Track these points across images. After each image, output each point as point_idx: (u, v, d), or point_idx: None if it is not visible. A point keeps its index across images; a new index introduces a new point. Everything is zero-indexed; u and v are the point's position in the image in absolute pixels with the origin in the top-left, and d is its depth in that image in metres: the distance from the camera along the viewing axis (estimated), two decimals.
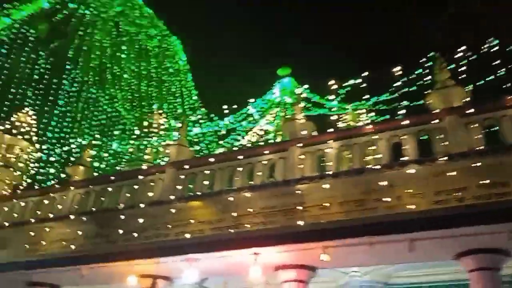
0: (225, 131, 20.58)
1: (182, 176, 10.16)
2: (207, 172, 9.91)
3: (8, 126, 13.75)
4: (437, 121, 8.13)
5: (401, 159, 8.07)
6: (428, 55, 11.72)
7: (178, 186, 9.91)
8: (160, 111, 19.88)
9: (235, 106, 19.28)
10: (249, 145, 19.51)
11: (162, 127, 18.24)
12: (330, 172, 8.52)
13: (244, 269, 7.01)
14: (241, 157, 9.80)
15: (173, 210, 9.50)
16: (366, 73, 14.80)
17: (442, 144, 7.77)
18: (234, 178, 9.54)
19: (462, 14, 15.75)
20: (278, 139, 17.83)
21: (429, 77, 10.80)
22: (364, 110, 15.50)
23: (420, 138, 8.36)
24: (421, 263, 8.42)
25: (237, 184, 9.34)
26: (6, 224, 11.47)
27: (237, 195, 9.05)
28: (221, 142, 20.14)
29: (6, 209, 11.98)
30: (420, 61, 12.62)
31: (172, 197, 9.61)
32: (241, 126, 20.50)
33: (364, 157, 8.59)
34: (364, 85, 14.94)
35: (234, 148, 18.46)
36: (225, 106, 18.70)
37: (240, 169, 9.57)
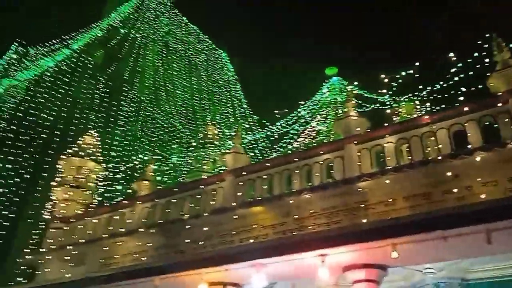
0: (278, 135, 20.62)
1: (241, 183, 10.31)
2: (265, 177, 10.01)
3: (75, 149, 14.62)
4: (500, 104, 7.67)
5: (466, 147, 7.69)
6: (484, 37, 11.10)
7: (239, 193, 10.07)
8: (214, 122, 20.27)
9: (286, 110, 19.29)
10: (303, 147, 19.41)
11: (216, 137, 18.61)
12: (391, 167, 8.29)
13: (312, 272, 6.94)
14: (297, 159, 9.80)
15: (235, 217, 9.68)
16: (417, 63, 14.30)
17: (510, 127, 7.31)
18: (292, 180, 9.55)
19: None
20: (331, 139, 17.61)
21: (487, 60, 10.21)
22: (419, 102, 14.95)
23: (485, 123, 7.93)
24: (501, 256, 7.92)
25: (296, 186, 9.34)
26: (82, 241, 12.21)
27: (297, 197, 9.05)
28: (275, 146, 20.18)
29: (80, 227, 12.74)
30: (476, 44, 11.99)
31: (233, 204, 9.79)
32: (293, 129, 20.45)
33: (425, 149, 8.28)
34: (417, 75, 14.45)
35: (289, 152, 18.44)
36: (276, 111, 18.75)
37: (298, 171, 9.57)
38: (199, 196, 10.81)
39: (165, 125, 26.17)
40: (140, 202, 11.92)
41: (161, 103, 27.80)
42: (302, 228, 8.69)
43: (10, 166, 19.09)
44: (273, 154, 19.96)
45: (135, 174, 17.86)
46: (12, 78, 24.61)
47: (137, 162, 19.47)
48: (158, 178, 16.99)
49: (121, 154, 20.28)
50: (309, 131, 20.30)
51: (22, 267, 14.33)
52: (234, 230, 9.71)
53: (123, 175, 17.79)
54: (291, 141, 20.02)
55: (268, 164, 10.17)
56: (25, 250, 13.55)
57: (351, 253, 6.63)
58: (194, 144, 18.33)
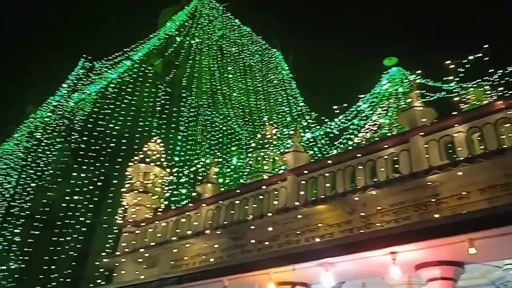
0: (337, 131, 20.26)
1: (303, 182, 10.21)
2: (327, 174, 9.83)
3: (141, 156, 15.27)
4: None
5: None
6: None
7: (301, 192, 9.98)
8: (271, 122, 20.31)
9: (344, 105, 18.90)
10: (364, 142, 18.91)
11: (275, 137, 18.62)
12: (462, 158, 7.81)
13: (383, 270, 6.71)
14: (360, 155, 9.53)
15: (299, 216, 9.60)
16: (486, 46, 13.42)
17: None
18: (356, 177, 9.30)
19: None
20: (394, 132, 16.98)
21: None
22: (489, 87, 14.00)
23: None
24: None
25: (360, 183, 9.08)
26: (153, 244, 12.72)
27: (362, 194, 8.79)
28: (335, 143, 19.84)
29: (150, 230, 13.27)
30: None
31: (296, 203, 9.72)
32: (353, 124, 19.99)
33: (500, 137, 7.71)
34: (486, 58, 13.56)
35: (350, 148, 18.05)
36: (334, 107, 18.43)
37: (361, 167, 9.30)
38: (262, 197, 10.84)
39: (223, 128, 26.67)
40: (205, 205, 12.18)
41: (218, 106, 28.37)
42: (369, 226, 8.43)
43: (84, 175, 20.38)
44: (333, 151, 19.66)
45: (198, 177, 18.37)
46: (80, 92, 26.30)
47: (199, 166, 20.03)
48: (220, 180, 17.31)
49: (184, 158, 20.94)
50: (370, 125, 19.75)
51: (100, 270, 15.21)
52: (299, 229, 9.63)
53: (187, 179, 18.35)
54: (352, 136, 19.59)
55: (329, 162, 9.98)
56: (102, 253, 14.38)
57: (424, 250, 6.32)
58: (253, 145, 18.47)
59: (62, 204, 20.49)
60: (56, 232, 19.57)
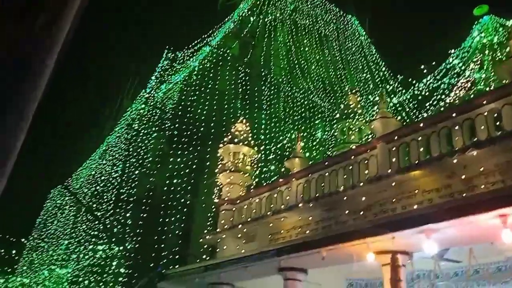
0: (426, 92, 19.11)
1: (394, 148, 9.89)
2: (420, 138, 9.40)
3: (230, 137, 15.87)
4: None
5: None
6: None
7: (393, 159, 9.69)
8: (354, 91, 19.75)
9: (433, 63, 17.70)
10: (458, 101, 17.62)
11: (359, 105, 18.13)
12: None
13: (491, 235, 6.32)
14: (455, 114, 8.95)
15: (393, 184, 9.36)
16: None
17: None
18: (453, 138, 8.78)
19: None
20: (492, 87, 15.57)
21: None
22: None
23: None
24: None
25: (458, 144, 8.56)
26: (249, 219, 13.28)
27: (461, 156, 8.29)
28: (426, 105, 18.76)
29: (245, 207, 13.85)
30: None
31: (389, 171, 9.47)
32: (444, 83, 18.68)
33: None
34: None
35: (442, 109, 16.96)
36: (421, 66, 17.36)
37: (457, 127, 8.74)
38: (351, 167, 10.72)
39: (305, 102, 26.52)
40: (294, 179, 12.37)
41: (298, 81, 28.21)
42: (472, 189, 7.96)
43: (179, 159, 21.73)
44: (423, 114, 18.63)
45: (285, 153, 18.61)
46: (167, 82, 27.81)
47: (285, 142, 20.25)
48: (307, 154, 17.37)
49: (269, 136, 21.31)
50: (463, 82, 18.32)
51: (204, 246, 16.28)
52: (394, 197, 9.41)
53: (275, 155, 18.69)
54: (443, 97, 18.36)
55: (422, 125, 9.52)
56: (204, 231, 15.38)
57: None
58: (337, 116, 18.17)
59: (163, 188, 22.13)
60: (161, 214, 21.25)
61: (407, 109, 21.90)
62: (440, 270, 10.35)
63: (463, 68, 18.32)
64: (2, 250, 27.66)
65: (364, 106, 21.13)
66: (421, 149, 9.29)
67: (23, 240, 34.13)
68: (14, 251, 30.35)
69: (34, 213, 39.27)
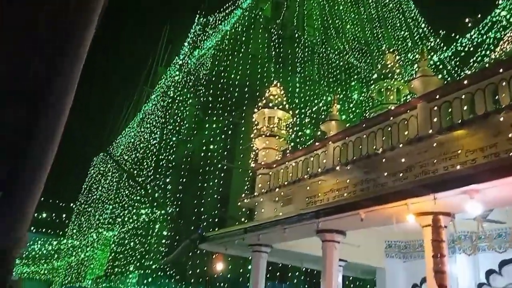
0: (470, 48, 18.14)
1: (435, 108, 9.52)
2: (463, 96, 8.99)
3: (264, 101, 15.78)
4: None
5: None
6: None
7: (434, 119, 9.35)
8: (391, 50, 19.00)
9: (478, 15, 16.67)
10: (503, 56, 16.63)
11: (397, 65, 17.48)
12: None
13: None
14: (501, 70, 8.45)
15: (435, 144, 9.08)
16: None
17: None
18: (499, 95, 8.33)
19: None
20: None
21: None
22: None
23: None
24: None
25: (505, 101, 8.12)
26: (286, 183, 13.37)
27: (508, 113, 7.88)
28: (470, 61, 17.85)
29: (282, 171, 13.92)
30: None
31: (430, 131, 9.17)
32: (489, 37, 17.62)
33: None
34: None
35: (487, 65, 16.07)
36: (466, 20, 16.40)
37: (505, 83, 8.26)
38: (390, 128, 10.46)
39: (340, 63, 25.85)
40: (331, 142, 12.24)
41: (333, 42, 27.40)
42: None
43: (214, 125, 21.95)
44: (466, 72, 17.78)
45: (320, 116, 18.40)
46: (200, 48, 27.73)
47: (321, 105, 19.96)
48: (343, 117, 17.11)
49: (304, 99, 21.06)
50: (510, 36, 17.21)
51: (242, 209, 16.64)
52: (435, 158, 9.14)
53: (309, 118, 18.52)
54: (488, 52, 17.38)
55: (466, 82, 9.07)
56: (242, 195, 15.65)
57: None
58: (374, 77, 17.63)
59: (201, 154, 22.56)
60: (199, 179, 21.78)
61: (449, 67, 20.96)
62: (483, 231, 10.16)
63: (511, 20, 17.16)
64: (53, 215, 29.40)
65: (402, 66, 20.36)
66: (465, 108, 8.89)
67: (71, 205, 36.10)
68: (64, 216, 32.21)
69: (79, 180, 41.23)
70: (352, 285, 15.90)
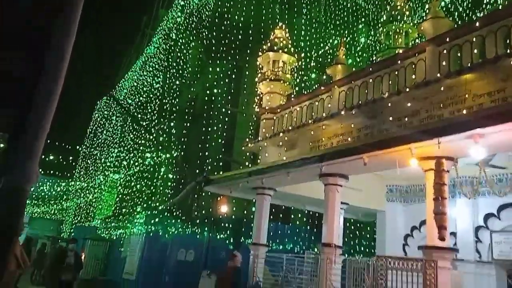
0: None
1: (445, 51, 9.28)
2: (474, 39, 8.73)
3: (269, 44, 15.41)
4: None
5: None
6: None
7: (443, 62, 9.15)
8: None
9: None
10: None
11: (406, 6, 16.84)
12: None
13: None
14: None
15: (442, 88, 8.95)
16: None
17: None
18: (511, 39, 8.08)
19: None
20: None
21: None
22: None
23: None
24: None
25: None
26: (290, 128, 13.39)
27: None
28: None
29: (286, 115, 13.90)
30: None
31: (438, 75, 9.01)
32: None
33: None
34: None
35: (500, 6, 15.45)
36: None
37: None
38: (397, 72, 10.28)
39: (347, 5, 24.91)
40: (336, 86, 12.10)
41: None
42: None
43: (218, 69, 21.61)
44: (479, 14, 17.14)
45: (326, 60, 18.06)
46: None
47: (326, 48, 19.50)
48: (350, 61, 16.78)
49: (310, 42, 20.53)
50: None
51: (246, 154, 16.82)
52: (442, 102, 9.05)
53: (316, 62, 18.18)
54: None
55: (477, 24, 8.77)
56: (246, 140, 15.75)
57: None
58: (382, 19, 17.06)
59: (204, 98, 22.44)
60: (203, 123, 21.82)
61: (461, 9, 20.18)
62: (485, 176, 10.29)
63: None
64: (60, 157, 29.88)
65: (412, 7, 19.60)
66: (475, 51, 8.67)
67: (77, 148, 36.60)
68: (70, 158, 32.75)
69: (84, 124, 41.51)
70: (352, 227, 16.41)
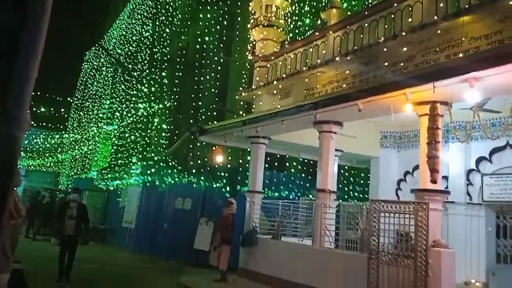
0: None
1: None
2: None
3: None
4: None
5: None
6: None
7: (440, 4, 8.89)
8: None
9: None
10: None
11: None
12: None
13: None
14: None
15: (439, 32, 8.77)
16: None
17: None
18: None
19: None
20: None
21: None
22: None
23: None
24: None
25: None
26: (284, 75, 13.22)
27: None
28: None
29: (280, 63, 13.67)
30: None
31: (435, 17, 8.78)
32: None
33: None
34: None
35: None
36: None
37: None
38: (393, 16, 10.01)
39: None
40: (331, 32, 11.82)
41: None
42: None
43: (209, 16, 20.93)
44: None
45: (320, 4, 17.47)
46: None
47: None
48: (345, 4, 16.28)
49: None
50: None
51: (240, 103, 16.70)
52: (438, 46, 8.90)
53: (310, 8, 17.60)
54: None
55: None
56: (239, 88, 15.57)
57: None
58: None
59: (196, 46, 21.91)
60: (196, 72, 21.47)
61: None
62: (479, 121, 10.35)
63: None
64: (52, 109, 29.61)
65: None
66: None
67: (69, 99, 36.16)
68: (62, 110, 32.47)
69: (74, 75, 40.74)
70: (347, 174, 16.69)
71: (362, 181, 16.76)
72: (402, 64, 9.52)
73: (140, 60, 25.94)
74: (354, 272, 7.81)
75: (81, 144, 34.46)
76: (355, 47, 10.84)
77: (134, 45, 27.59)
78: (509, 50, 6.05)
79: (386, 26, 10.10)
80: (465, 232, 10.96)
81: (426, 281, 6.68)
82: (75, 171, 35.62)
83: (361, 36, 10.74)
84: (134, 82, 24.96)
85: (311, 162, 15.85)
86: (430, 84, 6.86)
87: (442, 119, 7.54)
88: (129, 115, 25.43)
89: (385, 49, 9.82)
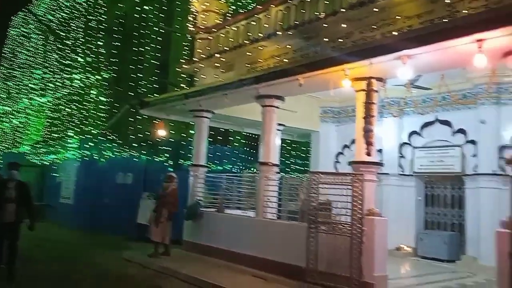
0: None
1: None
2: None
3: None
4: None
5: None
6: None
7: None
8: None
9: None
10: None
11: None
12: None
13: (465, 60, 6.47)
14: None
15: (376, 10, 9.08)
16: None
17: None
18: None
19: None
20: None
21: None
22: None
23: None
24: None
25: None
26: (227, 48, 13.10)
27: None
28: None
29: (223, 36, 13.50)
30: None
31: None
32: None
33: None
34: None
35: None
36: None
37: None
38: None
39: None
40: (274, 6, 11.82)
41: None
42: (454, 15, 7.82)
43: None
44: None
45: None
46: None
47: None
48: None
49: None
50: None
51: (182, 76, 16.36)
52: (375, 24, 9.23)
53: None
54: None
55: None
56: (181, 61, 15.22)
57: None
58: None
59: (135, 15, 20.97)
60: (135, 42, 20.62)
61: None
62: (411, 97, 10.96)
63: None
64: None
65: None
66: None
67: None
68: None
69: None
70: (289, 148, 17.10)
71: (303, 155, 17.26)
72: (341, 40, 9.78)
73: (74, 28, 24.41)
74: (295, 241, 8.14)
75: (11, 116, 32.23)
76: (297, 22, 10.95)
77: (67, 12, 25.87)
78: (438, 29, 6.40)
79: (326, 2, 10.27)
80: (397, 202, 11.75)
81: (361, 247, 7.13)
82: (5, 145, 33.38)
83: (303, 11, 10.85)
84: (68, 51, 23.52)
85: (254, 136, 16.04)
86: (367, 61, 7.16)
87: (377, 95, 7.90)
88: (64, 86, 24.07)
89: (325, 25, 10.02)
